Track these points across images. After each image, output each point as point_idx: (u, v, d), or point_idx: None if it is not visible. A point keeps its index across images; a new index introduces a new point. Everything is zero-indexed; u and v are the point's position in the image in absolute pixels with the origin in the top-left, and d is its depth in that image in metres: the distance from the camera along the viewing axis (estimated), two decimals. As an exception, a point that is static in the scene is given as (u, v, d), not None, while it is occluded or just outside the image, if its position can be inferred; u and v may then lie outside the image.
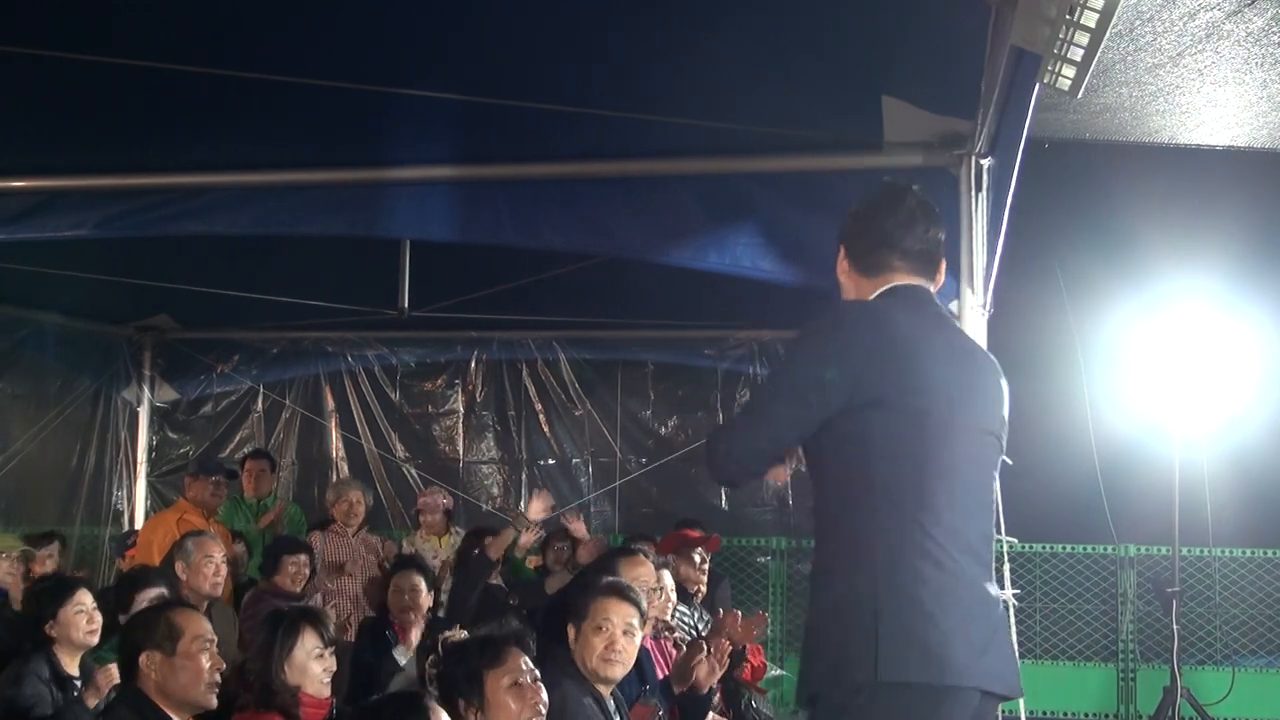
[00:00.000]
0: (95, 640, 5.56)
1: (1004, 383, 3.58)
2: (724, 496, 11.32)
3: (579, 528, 9.01)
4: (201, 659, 4.36)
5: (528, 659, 4.19)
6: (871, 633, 3.13)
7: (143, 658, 4.32)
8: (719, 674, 5.61)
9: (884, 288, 3.49)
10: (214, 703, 4.42)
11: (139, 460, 11.21)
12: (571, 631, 4.83)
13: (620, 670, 4.79)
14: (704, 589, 7.86)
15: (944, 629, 3.17)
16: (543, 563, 9.07)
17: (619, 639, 4.76)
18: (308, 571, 7.41)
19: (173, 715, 4.32)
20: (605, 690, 4.78)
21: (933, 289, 3.54)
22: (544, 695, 4.16)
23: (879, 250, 3.51)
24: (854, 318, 3.43)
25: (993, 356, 3.71)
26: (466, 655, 4.19)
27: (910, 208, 3.52)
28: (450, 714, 4.01)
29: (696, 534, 7.93)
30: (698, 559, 7.63)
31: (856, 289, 3.55)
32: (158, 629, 4.37)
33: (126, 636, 4.51)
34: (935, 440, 3.27)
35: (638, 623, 4.86)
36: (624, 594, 4.91)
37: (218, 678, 4.42)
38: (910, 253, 3.50)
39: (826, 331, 3.37)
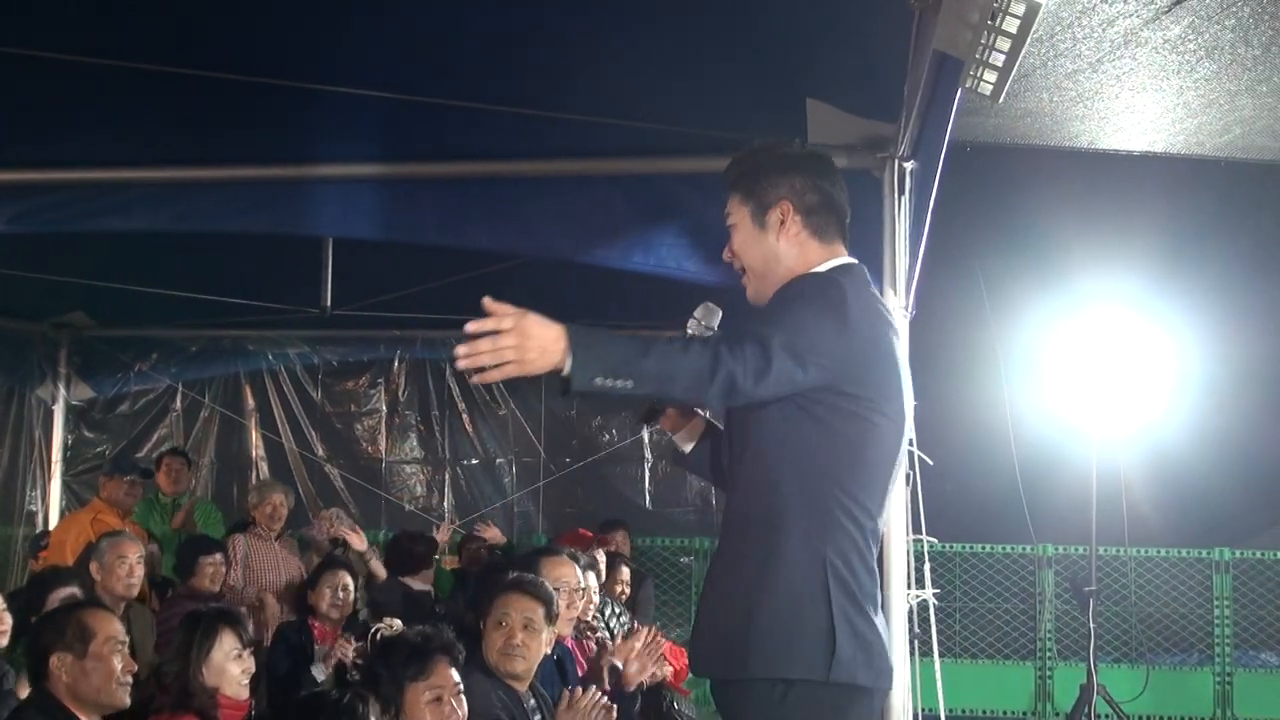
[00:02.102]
0: (4, 642, 5.46)
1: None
2: (647, 497, 11.36)
3: (494, 533, 9.02)
4: (114, 660, 4.26)
5: (455, 671, 4.17)
6: (828, 632, 3.00)
7: (53, 659, 4.22)
8: (649, 671, 5.61)
9: (836, 260, 3.26)
10: (127, 702, 4.33)
11: (54, 459, 10.99)
12: (481, 628, 4.82)
13: (521, 665, 4.76)
14: (628, 589, 7.88)
15: (880, 633, 3.13)
16: (459, 564, 9.07)
17: (518, 633, 4.73)
18: (224, 570, 7.30)
19: (82, 717, 4.22)
20: (520, 685, 4.76)
21: None
22: (464, 711, 4.15)
23: (827, 213, 3.28)
24: (857, 302, 3.12)
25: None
26: (392, 661, 4.16)
27: (838, 172, 3.38)
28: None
29: (589, 534, 8.02)
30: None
31: (802, 254, 3.26)
32: (68, 630, 4.26)
33: (36, 638, 4.41)
34: (894, 445, 3.19)
35: (541, 617, 4.82)
36: (525, 588, 4.90)
37: (130, 678, 4.33)
38: (844, 221, 3.32)
39: (836, 303, 3.07)
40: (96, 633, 4.27)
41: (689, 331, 3.26)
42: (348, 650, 5.76)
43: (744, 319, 3.18)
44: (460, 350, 2.79)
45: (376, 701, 3.99)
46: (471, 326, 2.76)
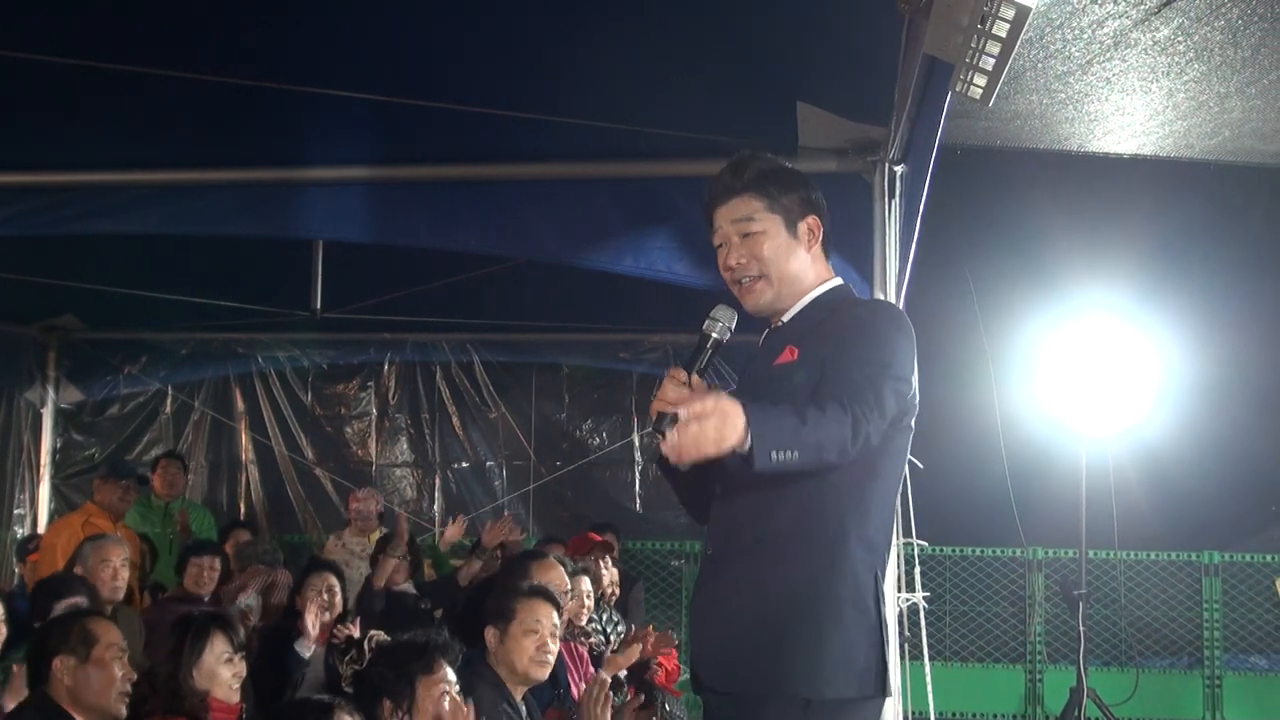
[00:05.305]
0: (-2, 652, 5.44)
1: None
2: (638, 500, 11.35)
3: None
4: (114, 667, 4.32)
5: (451, 672, 4.21)
6: (879, 646, 3.03)
7: (56, 662, 4.28)
8: None
9: (838, 279, 3.32)
10: (124, 713, 4.37)
11: (43, 463, 10.94)
12: (492, 635, 4.83)
13: (548, 671, 4.88)
14: (618, 591, 7.87)
15: None
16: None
17: (548, 641, 4.82)
18: (216, 574, 7.25)
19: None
20: (519, 693, 4.80)
21: None
22: (468, 708, 4.19)
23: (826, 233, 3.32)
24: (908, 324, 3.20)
25: None
26: (399, 658, 4.19)
27: None
28: (371, 714, 4.02)
29: (598, 537, 8.00)
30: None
31: (817, 270, 3.28)
32: (72, 635, 4.33)
33: (40, 642, 4.43)
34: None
35: (559, 624, 4.93)
36: (551, 597, 5.00)
37: (128, 687, 4.37)
38: None
39: (909, 337, 3.14)
40: (99, 639, 4.34)
41: (711, 335, 3.17)
42: (353, 631, 5.74)
43: (837, 347, 3.08)
44: (671, 437, 2.72)
45: (360, 714, 4.00)
46: (683, 414, 2.70)
